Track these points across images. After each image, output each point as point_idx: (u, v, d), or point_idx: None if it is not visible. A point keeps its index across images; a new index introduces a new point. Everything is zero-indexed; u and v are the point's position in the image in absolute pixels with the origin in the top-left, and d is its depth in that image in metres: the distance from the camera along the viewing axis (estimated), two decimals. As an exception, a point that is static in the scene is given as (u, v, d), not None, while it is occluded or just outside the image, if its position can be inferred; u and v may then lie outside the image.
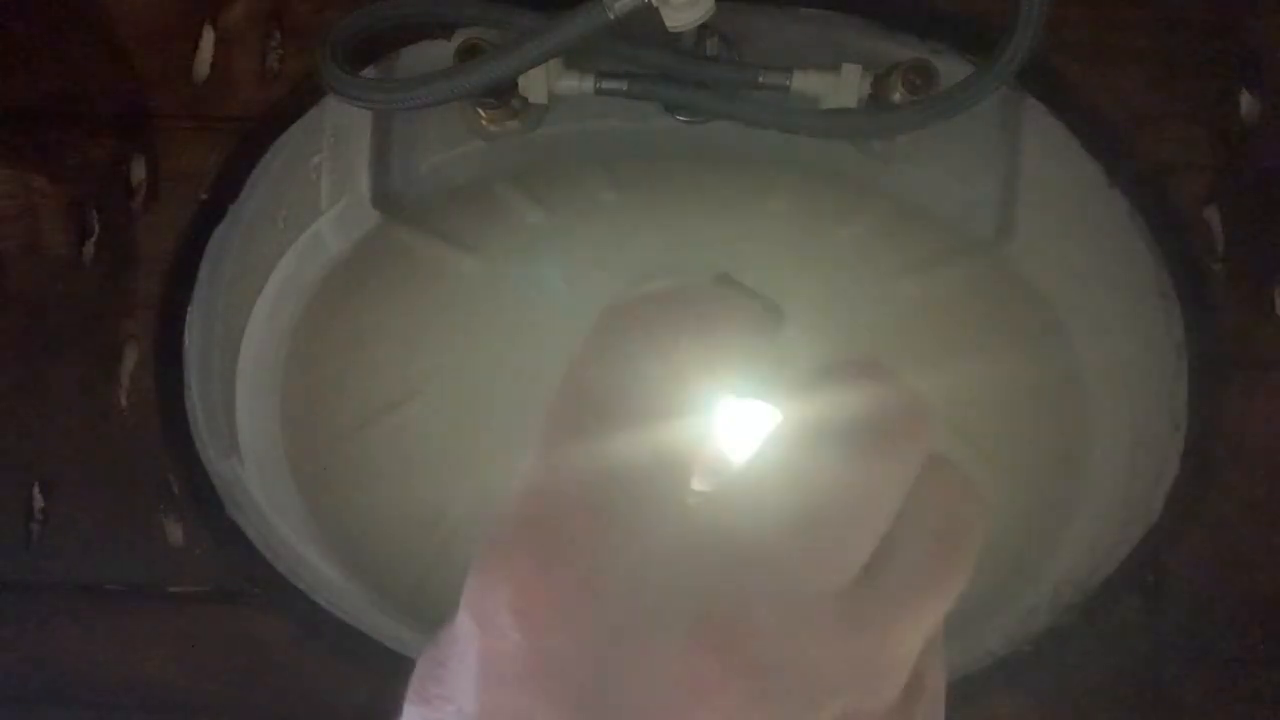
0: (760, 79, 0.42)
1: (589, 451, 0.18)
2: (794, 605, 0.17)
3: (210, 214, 0.48)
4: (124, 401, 0.49)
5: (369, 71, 0.46)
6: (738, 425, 0.21)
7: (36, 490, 0.49)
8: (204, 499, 0.50)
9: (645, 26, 0.39)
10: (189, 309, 0.49)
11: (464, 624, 0.18)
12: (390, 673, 0.51)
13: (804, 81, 0.42)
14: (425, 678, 0.19)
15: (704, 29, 0.42)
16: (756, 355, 0.20)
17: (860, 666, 0.18)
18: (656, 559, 0.18)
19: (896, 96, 0.42)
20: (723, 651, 0.17)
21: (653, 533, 0.18)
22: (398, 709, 0.20)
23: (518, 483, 0.18)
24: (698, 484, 0.19)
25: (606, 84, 0.43)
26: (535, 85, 0.43)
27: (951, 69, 0.44)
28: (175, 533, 0.49)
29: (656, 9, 0.36)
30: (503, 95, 0.43)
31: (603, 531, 0.18)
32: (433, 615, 0.49)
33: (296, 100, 0.47)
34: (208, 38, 0.47)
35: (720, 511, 0.18)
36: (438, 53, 0.46)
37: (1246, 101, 0.46)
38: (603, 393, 0.19)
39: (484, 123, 0.45)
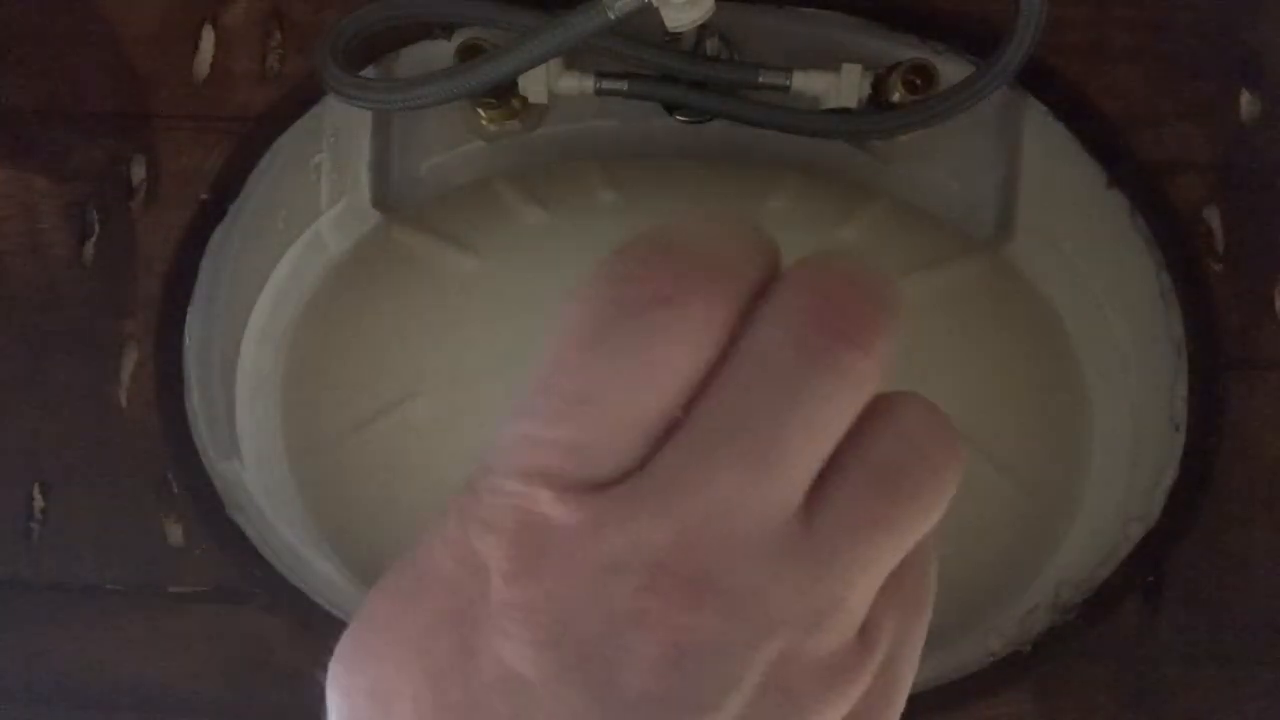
0: (760, 79, 0.42)
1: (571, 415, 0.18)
2: (731, 539, 0.17)
3: (210, 214, 0.48)
4: (124, 401, 0.49)
5: (369, 71, 0.46)
6: None
7: (36, 490, 0.49)
8: (204, 499, 0.50)
9: (645, 26, 0.39)
10: (189, 309, 0.49)
11: (440, 562, 0.19)
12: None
13: (804, 81, 0.42)
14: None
15: (704, 29, 0.42)
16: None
17: (800, 602, 0.18)
18: (618, 515, 0.18)
19: (896, 96, 0.42)
20: (663, 590, 0.17)
21: (615, 491, 0.18)
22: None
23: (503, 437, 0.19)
24: None
25: (606, 84, 0.43)
26: (535, 85, 0.43)
27: (951, 69, 0.44)
28: (175, 533, 0.49)
29: (656, 9, 0.36)
30: (503, 95, 0.43)
31: (555, 502, 0.18)
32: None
33: (296, 100, 0.47)
34: (208, 38, 0.47)
35: (665, 453, 0.18)
36: (438, 53, 0.46)
37: (1246, 101, 0.46)
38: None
39: (484, 123, 0.45)
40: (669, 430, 0.18)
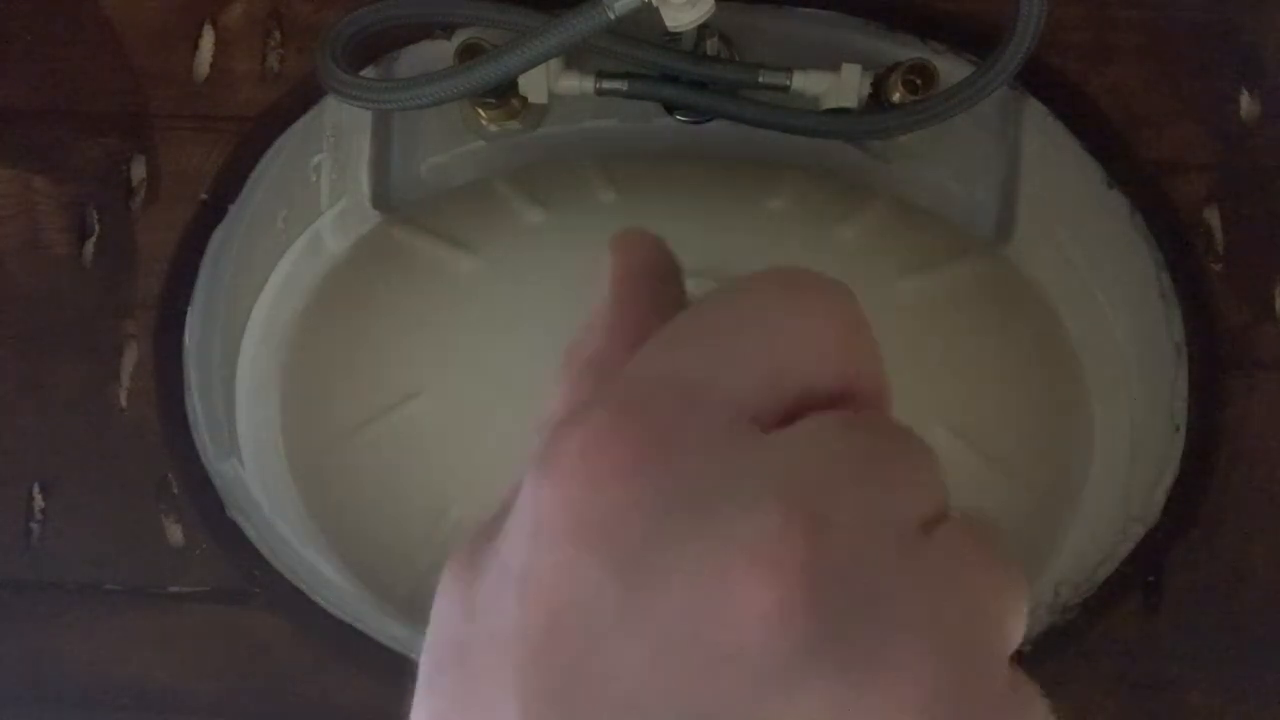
0: (760, 79, 0.42)
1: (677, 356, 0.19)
2: (873, 521, 0.17)
3: (210, 214, 0.48)
4: (124, 401, 0.49)
5: (369, 71, 0.46)
6: None
7: (36, 490, 0.49)
8: (204, 499, 0.50)
9: (645, 26, 0.39)
10: (189, 309, 0.49)
11: (526, 485, 0.18)
12: (390, 673, 0.51)
13: (804, 81, 0.42)
14: (473, 545, 0.19)
15: (704, 29, 0.42)
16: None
17: (925, 616, 0.16)
18: (740, 439, 0.17)
19: (896, 96, 0.42)
20: (794, 526, 0.16)
21: (736, 423, 0.18)
22: (397, 709, 0.20)
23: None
24: None
25: (606, 84, 0.43)
26: (535, 85, 0.43)
27: (951, 69, 0.44)
28: (175, 533, 0.49)
29: (656, 9, 0.36)
30: (503, 95, 0.43)
31: (685, 407, 0.17)
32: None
33: (296, 100, 0.47)
34: (208, 38, 0.47)
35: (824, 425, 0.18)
36: (438, 53, 0.46)
37: (1246, 101, 0.46)
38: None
39: (484, 123, 0.45)
40: None
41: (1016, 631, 0.18)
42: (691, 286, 0.22)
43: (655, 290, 0.21)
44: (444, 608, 0.19)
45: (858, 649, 0.16)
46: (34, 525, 0.49)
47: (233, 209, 0.48)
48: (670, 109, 0.46)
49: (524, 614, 0.17)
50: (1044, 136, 0.46)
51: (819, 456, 0.17)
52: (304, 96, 0.47)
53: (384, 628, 0.52)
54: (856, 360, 0.19)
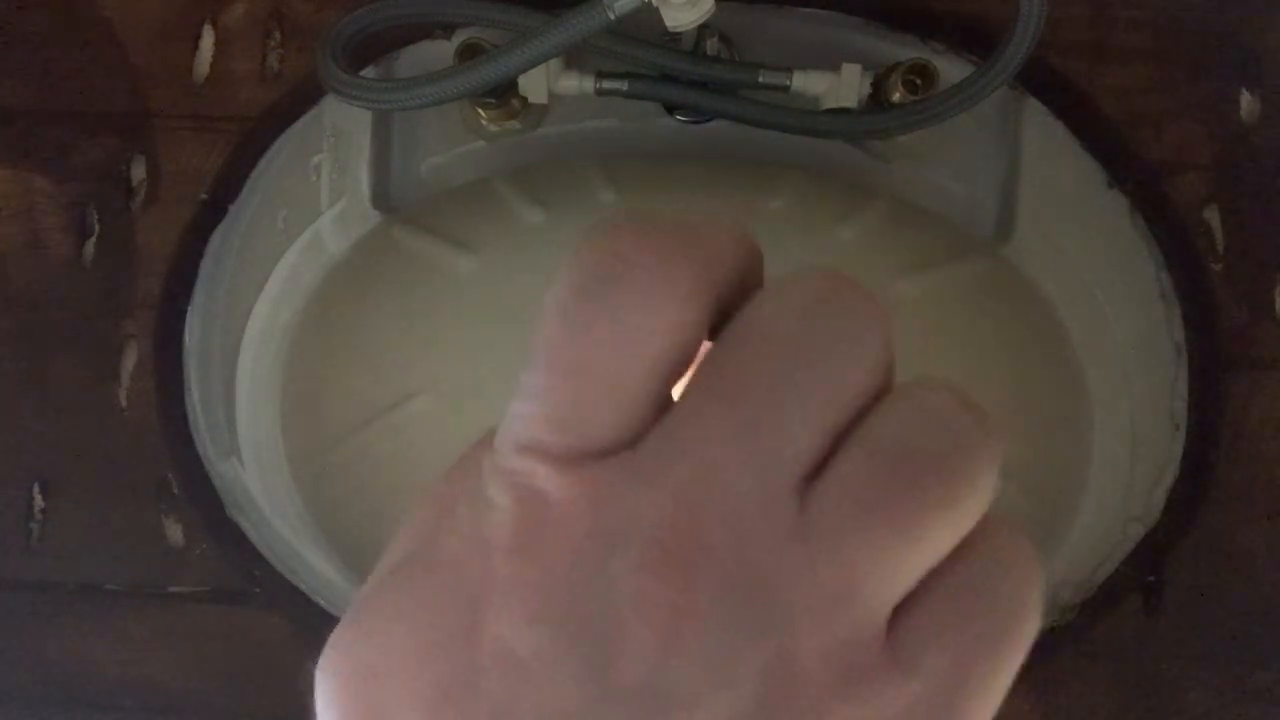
0: (760, 79, 0.42)
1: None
2: (728, 513, 0.17)
3: (210, 214, 0.48)
4: (124, 401, 0.49)
5: (369, 71, 0.46)
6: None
7: (36, 490, 0.49)
8: (204, 499, 0.50)
9: (645, 26, 0.39)
10: (189, 309, 0.49)
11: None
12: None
13: (804, 81, 0.42)
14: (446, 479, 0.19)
15: (704, 29, 0.42)
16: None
17: (803, 584, 0.16)
18: (615, 487, 0.17)
19: (896, 96, 0.42)
20: (659, 568, 0.16)
21: (610, 462, 0.17)
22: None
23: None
24: None
25: (606, 84, 0.43)
26: (535, 85, 0.43)
27: (951, 69, 0.44)
28: (175, 533, 0.49)
29: (656, 9, 0.36)
30: (503, 95, 0.43)
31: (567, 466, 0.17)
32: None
33: (296, 100, 0.47)
34: (208, 38, 0.47)
35: (662, 422, 0.18)
36: (438, 53, 0.46)
37: (1246, 101, 0.46)
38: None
39: (484, 123, 0.45)
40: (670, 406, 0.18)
41: (893, 576, 0.17)
42: None
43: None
44: (417, 515, 0.20)
45: (741, 635, 0.16)
46: (34, 525, 0.49)
47: (233, 209, 0.48)
48: (670, 109, 0.46)
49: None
50: (1044, 136, 0.46)
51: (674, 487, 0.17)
52: (304, 96, 0.47)
53: (384, 628, 0.52)
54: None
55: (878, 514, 0.17)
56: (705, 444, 0.17)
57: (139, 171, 0.48)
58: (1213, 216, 0.46)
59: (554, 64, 0.42)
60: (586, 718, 0.16)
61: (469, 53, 0.43)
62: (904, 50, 0.45)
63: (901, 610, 0.17)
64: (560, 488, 0.17)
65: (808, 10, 0.46)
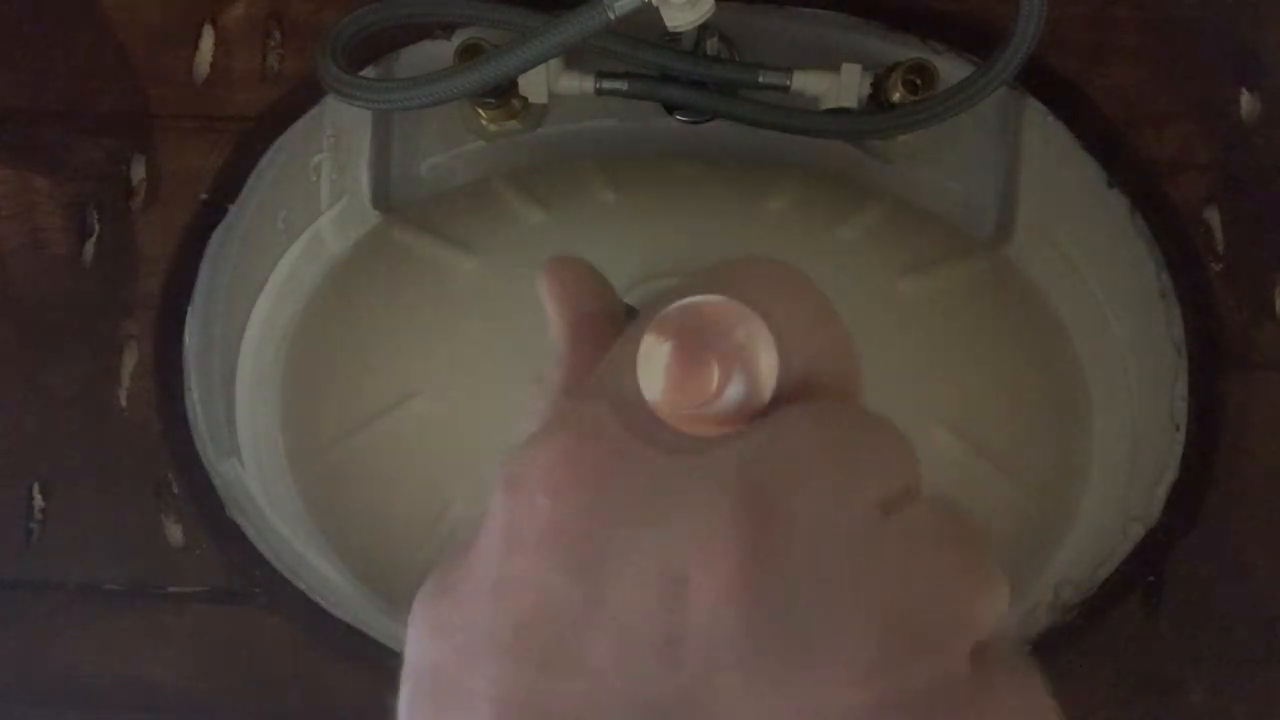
0: (760, 79, 0.42)
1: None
2: (831, 508, 0.17)
3: (210, 214, 0.48)
4: (124, 401, 0.49)
5: (369, 71, 0.46)
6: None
7: (36, 490, 0.49)
8: (204, 499, 0.50)
9: (645, 26, 0.39)
10: (189, 309, 0.49)
11: (495, 501, 0.19)
12: (390, 673, 0.51)
13: (804, 81, 0.42)
14: (441, 574, 0.20)
15: (704, 29, 0.42)
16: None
17: (872, 597, 0.17)
18: (689, 445, 0.18)
19: (896, 96, 0.42)
20: (742, 518, 0.17)
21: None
22: (397, 708, 0.20)
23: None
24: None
25: (606, 84, 0.43)
26: (535, 85, 0.43)
27: (951, 69, 0.44)
28: (175, 533, 0.49)
29: (656, 9, 0.36)
30: (503, 95, 0.44)
31: (643, 423, 0.18)
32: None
33: (296, 100, 0.47)
34: (208, 38, 0.47)
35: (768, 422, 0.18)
36: (438, 53, 0.46)
37: (1246, 101, 0.46)
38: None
39: (484, 123, 0.45)
40: None
41: (983, 612, 0.18)
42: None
43: (595, 317, 0.22)
44: (416, 635, 0.20)
45: (803, 630, 0.16)
46: (34, 525, 0.49)
47: (233, 209, 0.48)
48: (670, 109, 0.46)
49: (494, 618, 0.18)
50: (1044, 136, 0.46)
51: (782, 449, 0.18)
52: (304, 96, 0.47)
53: (384, 627, 0.52)
54: (824, 347, 0.19)
55: (931, 545, 0.18)
56: (818, 451, 0.18)
57: (139, 171, 0.48)
58: (1213, 216, 0.46)
59: (554, 64, 0.42)
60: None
61: (469, 53, 0.43)
62: (904, 50, 0.45)
63: None
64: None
65: (808, 10, 0.46)
